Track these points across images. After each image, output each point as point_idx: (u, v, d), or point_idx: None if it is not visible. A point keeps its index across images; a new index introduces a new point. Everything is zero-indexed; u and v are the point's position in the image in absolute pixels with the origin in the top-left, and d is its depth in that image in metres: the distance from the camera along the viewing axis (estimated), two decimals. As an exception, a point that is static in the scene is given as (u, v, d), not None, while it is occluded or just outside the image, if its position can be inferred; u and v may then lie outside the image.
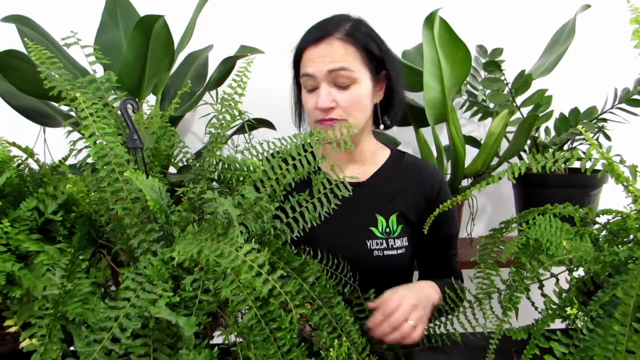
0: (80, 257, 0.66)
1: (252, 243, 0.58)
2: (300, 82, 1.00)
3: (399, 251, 0.99)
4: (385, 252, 0.98)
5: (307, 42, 0.96)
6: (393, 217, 1.00)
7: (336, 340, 0.64)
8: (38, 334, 0.60)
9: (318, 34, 0.95)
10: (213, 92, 1.55)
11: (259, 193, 0.71)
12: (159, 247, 0.68)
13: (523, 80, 1.29)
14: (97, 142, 0.64)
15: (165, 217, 0.68)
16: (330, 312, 0.68)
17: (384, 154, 1.09)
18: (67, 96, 0.68)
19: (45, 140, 1.60)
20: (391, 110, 1.06)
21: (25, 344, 0.63)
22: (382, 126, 1.06)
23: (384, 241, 0.99)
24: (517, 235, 0.85)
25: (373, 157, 1.07)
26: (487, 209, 1.76)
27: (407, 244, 1.01)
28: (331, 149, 0.71)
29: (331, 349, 0.61)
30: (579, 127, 0.72)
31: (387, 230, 0.99)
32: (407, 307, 0.81)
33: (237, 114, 0.85)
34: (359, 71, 0.94)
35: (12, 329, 0.66)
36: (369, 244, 0.98)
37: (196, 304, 0.65)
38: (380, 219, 1.00)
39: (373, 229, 0.99)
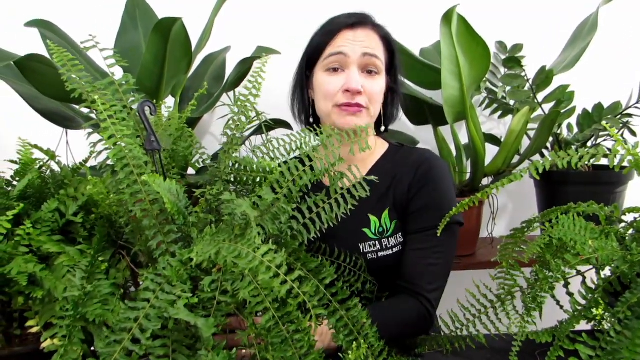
0: (100, 259, 0.67)
1: (270, 244, 0.58)
2: (315, 64, 0.99)
3: (394, 250, 0.94)
4: (379, 254, 0.94)
5: (341, 25, 0.97)
6: (385, 214, 0.95)
7: (354, 342, 0.63)
8: (59, 335, 0.61)
9: (354, 19, 0.97)
10: (231, 93, 1.56)
11: (276, 194, 0.71)
12: (177, 249, 0.68)
13: (544, 76, 1.26)
14: (116, 144, 0.65)
15: (183, 218, 0.69)
16: (347, 315, 0.68)
17: (381, 149, 1.05)
18: (87, 98, 0.69)
19: (67, 142, 1.63)
20: (390, 113, 1.06)
21: (46, 344, 0.64)
22: (382, 128, 1.06)
23: (377, 242, 0.94)
24: (539, 235, 0.83)
25: (370, 153, 1.04)
26: (509, 208, 1.73)
27: (402, 239, 0.95)
28: (349, 151, 0.71)
29: (349, 351, 0.60)
30: (604, 122, 0.70)
31: (380, 230, 0.95)
32: None
33: (252, 115, 0.85)
34: (383, 65, 0.98)
35: (34, 330, 0.67)
36: (361, 247, 0.94)
37: (214, 305, 0.65)
38: (373, 219, 0.95)
39: (366, 230, 0.95)
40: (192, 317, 0.60)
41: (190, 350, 0.64)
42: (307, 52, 1.02)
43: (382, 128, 1.06)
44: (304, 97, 1.06)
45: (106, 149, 0.66)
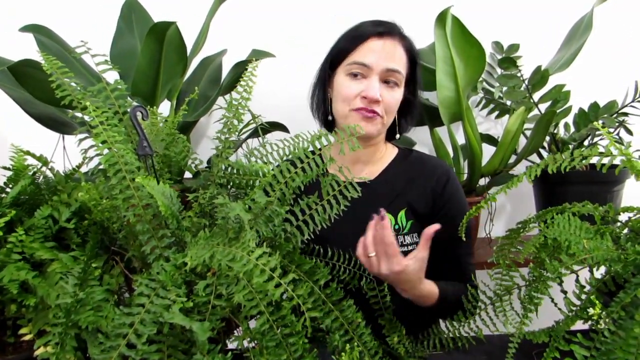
0: (93, 265, 0.67)
1: (264, 247, 0.58)
2: (338, 64, 1.01)
3: (410, 247, 0.98)
4: None
5: (371, 32, 0.98)
6: (402, 213, 0.99)
7: (348, 344, 0.63)
8: (52, 342, 0.61)
9: (383, 28, 0.98)
10: (228, 97, 1.56)
11: (269, 197, 0.70)
12: (171, 253, 0.68)
13: (540, 76, 1.26)
14: (108, 149, 0.65)
15: (176, 222, 0.69)
16: (342, 315, 0.67)
17: (391, 153, 1.09)
18: (77, 105, 0.69)
19: (64, 147, 1.63)
20: (405, 122, 1.09)
21: (39, 351, 0.63)
22: (397, 136, 1.09)
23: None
24: (535, 235, 0.82)
25: (381, 157, 1.08)
26: (507, 208, 1.72)
27: (418, 240, 0.97)
28: (339, 151, 0.70)
29: (343, 354, 0.60)
30: (595, 123, 0.70)
31: (397, 227, 0.98)
32: (400, 256, 0.80)
33: (245, 118, 0.85)
34: (403, 78, 1.00)
35: (28, 337, 0.67)
36: None
37: (209, 309, 0.65)
38: (389, 217, 0.98)
39: None
40: (187, 321, 0.59)
41: (186, 354, 0.64)
42: (332, 53, 1.04)
43: (397, 136, 1.09)
44: (325, 96, 1.07)
45: (98, 154, 0.66)
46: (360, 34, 0.98)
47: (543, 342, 0.75)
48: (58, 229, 0.73)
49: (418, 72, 1.05)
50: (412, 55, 1.02)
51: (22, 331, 0.68)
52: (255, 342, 0.63)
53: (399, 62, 0.97)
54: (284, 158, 0.78)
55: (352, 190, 0.72)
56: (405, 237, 0.99)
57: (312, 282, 0.69)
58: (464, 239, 0.88)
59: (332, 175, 0.73)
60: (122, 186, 0.65)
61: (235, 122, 0.80)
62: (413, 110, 1.08)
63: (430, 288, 0.91)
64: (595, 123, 0.65)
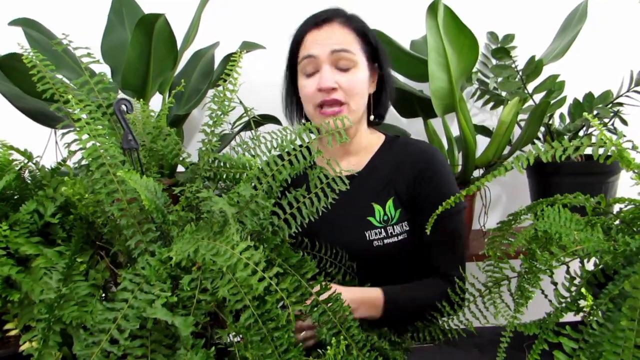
0: (79, 260, 0.67)
1: (248, 241, 0.58)
2: (297, 69, 1.02)
3: (400, 237, 0.97)
4: (385, 241, 0.97)
5: (309, 26, 0.99)
6: (389, 203, 0.98)
7: (334, 337, 0.62)
8: (38, 337, 0.61)
9: (319, 18, 0.98)
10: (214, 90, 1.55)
11: (256, 190, 0.70)
12: (157, 247, 0.68)
13: (534, 66, 1.25)
14: (90, 143, 0.64)
15: (162, 216, 0.68)
16: (330, 308, 0.67)
17: (378, 141, 1.07)
18: (60, 98, 0.68)
19: (56, 142, 1.62)
20: (383, 101, 1.07)
21: (25, 347, 0.63)
22: (372, 117, 1.06)
23: (382, 230, 0.97)
24: (527, 227, 0.82)
25: (367, 146, 1.07)
26: (502, 200, 1.71)
27: (407, 228, 0.99)
28: (327, 142, 0.69)
29: (329, 347, 0.60)
30: (586, 114, 0.69)
31: (385, 218, 0.97)
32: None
33: (236, 112, 0.84)
34: (358, 55, 0.97)
35: (13, 332, 0.67)
36: (367, 235, 0.96)
37: (194, 304, 0.64)
38: (377, 208, 0.98)
39: (371, 218, 0.98)
40: (170, 316, 0.59)
41: (170, 349, 0.63)
42: (287, 60, 1.05)
43: (372, 117, 1.06)
44: (292, 103, 1.09)
45: (81, 149, 0.65)
46: (301, 31, 1.00)
47: (534, 334, 0.75)
48: (44, 224, 0.73)
49: (379, 47, 1.02)
50: (363, 31, 1.00)
51: (7, 326, 0.68)
52: (241, 336, 0.63)
53: (345, 41, 0.96)
54: (272, 151, 0.77)
55: (340, 183, 0.71)
56: (395, 227, 0.98)
57: (299, 276, 0.69)
58: (428, 230, 0.83)
59: (320, 168, 0.72)
60: (105, 180, 0.64)
61: (221, 114, 0.79)
62: (386, 86, 1.05)
63: (369, 307, 0.87)
64: (585, 114, 0.64)
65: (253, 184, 0.71)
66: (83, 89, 0.70)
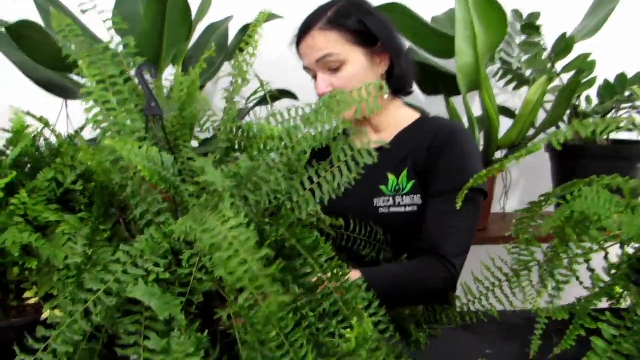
0: (101, 227, 0.64)
1: (241, 217, 0.50)
2: None
3: (407, 209, 0.95)
4: (391, 209, 0.95)
5: (297, 38, 1.03)
6: (404, 174, 0.97)
7: (355, 317, 0.58)
8: (63, 304, 0.59)
9: (302, 29, 1.02)
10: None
11: (274, 161, 0.65)
12: (168, 219, 0.64)
13: (564, 44, 1.20)
14: (96, 110, 0.61)
15: (173, 188, 0.64)
16: (342, 300, 0.60)
17: (408, 119, 1.05)
18: (81, 65, 0.64)
19: (68, 115, 1.59)
20: (396, 74, 1.02)
21: (47, 314, 0.61)
22: (386, 95, 1.02)
23: (391, 198, 0.96)
24: (558, 208, 0.78)
25: (395, 123, 1.04)
26: (521, 183, 1.68)
27: (419, 202, 0.95)
28: (354, 112, 0.65)
29: (349, 330, 0.55)
30: (635, 87, 0.64)
31: (397, 187, 0.96)
32: None
33: (249, 77, 0.80)
34: (346, 52, 0.97)
35: (32, 301, 0.65)
36: (375, 202, 0.96)
37: (191, 282, 0.60)
38: (391, 177, 0.97)
39: (382, 187, 0.97)
40: (147, 297, 0.54)
41: (167, 326, 0.58)
42: None
43: (386, 96, 1.02)
44: None
45: (95, 117, 0.62)
46: (295, 43, 1.04)
47: (563, 319, 0.72)
48: (63, 191, 0.70)
49: (371, 26, 0.98)
50: (343, 25, 0.97)
51: (26, 295, 0.66)
52: (241, 318, 0.57)
53: (327, 45, 0.97)
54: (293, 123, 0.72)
55: (367, 156, 0.67)
56: (404, 197, 0.95)
57: (312, 259, 0.63)
58: (458, 205, 0.76)
59: (346, 139, 0.67)
60: (111, 148, 0.61)
61: (240, 80, 0.75)
62: (395, 60, 1.00)
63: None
64: (634, 88, 0.59)
65: (273, 156, 0.67)
66: (105, 55, 0.67)
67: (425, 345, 0.81)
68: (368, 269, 0.83)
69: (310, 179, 0.68)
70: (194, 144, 1.08)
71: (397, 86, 1.03)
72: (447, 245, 0.90)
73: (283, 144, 0.66)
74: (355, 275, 0.82)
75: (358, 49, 0.97)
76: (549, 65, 1.27)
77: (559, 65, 1.30)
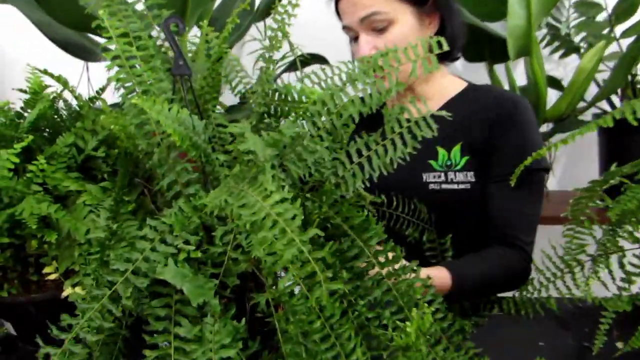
0: (125, 198, 0.59)
1: (284, 192, 0.45)
2: None
3: (460, 186, 0.89)
4: (443, 186, 0.89)
5: None
6: (456, 148, 0.90)
7: (414, 309, 0.52)
8: (83, 282, 0.54)
9: None
10: (260, 25, 1.43)
11: (317, 130, 0.58)
12: (198, 191, 0.57)
13: (628, 4, 1.08)
14: (117, 68, 0.55)
15: (204, 156, 0.58)
16: (395, 287, 0.54)
17: (456, 87, 0.97)
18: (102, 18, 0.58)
19: (88, 78, 1.54)
20: (446, 37, 0.93)
21: (68, 292, 0.57)
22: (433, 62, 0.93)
23: (442, 174, 0.89)
24: (629, 189, 0.70)
25: (442, 90, 0.97)
26: (562, 160, 1.58)
27: (473, 179, 0.89)
28: (408, 74, 0.57)
29: (407, 322, 0.49)
30: None
31: (449, 163, 0.90)
32: None
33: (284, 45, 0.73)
34: (394, 10, 0.89)
35: (52, 276, 0.61)
36: (424, 177, 0.89)
37: (225, 262, 0.54)
38: (442, 151, 0.90)
39: (432, 162, 0.90)
40: (179, 279, 0.48)
41: (199, 310, 0.53)
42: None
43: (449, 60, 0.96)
44: None
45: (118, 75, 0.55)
46: (335, 2, 0.95)
47: (624, 311, 0.66)
48: (84, 158, 0.65)
49: None
50: None
51: (46, 270, 0.62)
52: (282, 305, 0.52)
53: (371, 3, 0.88)
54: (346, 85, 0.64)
55: (426, 129, 0.59)
56: (457, 174, 0.90)
57: (361, 241, 0.57)
58: (512, 183, 0.76)
59: (401, 107, 0.60)
60: (135, 110, 0.55)
61: (280, 35, 0.68)
62: (447, 24, 0.93)
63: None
64: None
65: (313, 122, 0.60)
66: (128, 6, 0.60)
67: (470, 334, 0.75)
68: (454, 266, 0.79)
69: (359, 152, 0.60)
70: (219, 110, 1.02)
71: (454, 48, 0.95)
72: (522, 234, 0.87)
73: (326, 108, 0.58)
74: (442, 273, 0.77)
75: (407, 7, 0.90)
76: (606, 30, 1.16)
77: (618, 29, 1.18)
